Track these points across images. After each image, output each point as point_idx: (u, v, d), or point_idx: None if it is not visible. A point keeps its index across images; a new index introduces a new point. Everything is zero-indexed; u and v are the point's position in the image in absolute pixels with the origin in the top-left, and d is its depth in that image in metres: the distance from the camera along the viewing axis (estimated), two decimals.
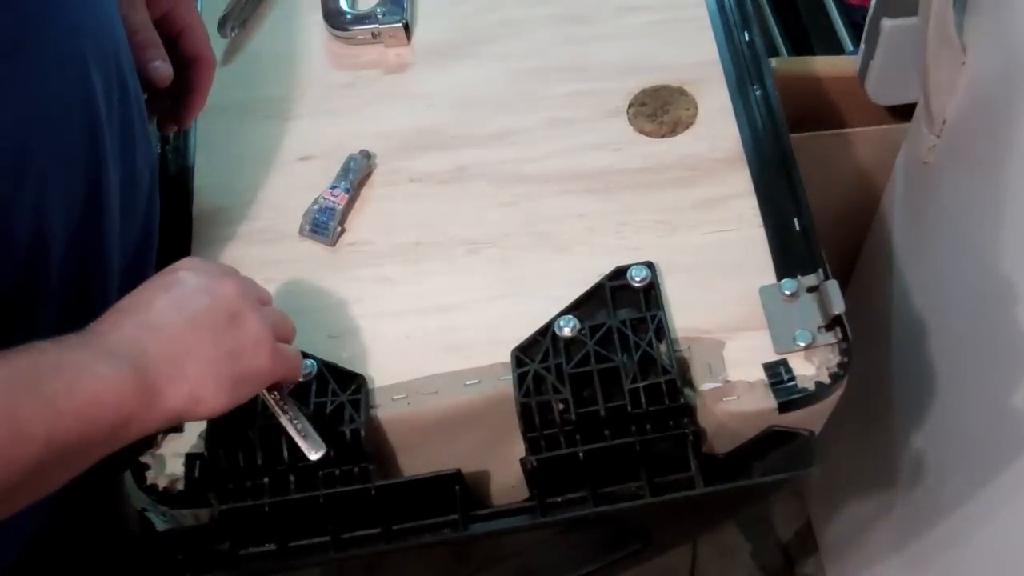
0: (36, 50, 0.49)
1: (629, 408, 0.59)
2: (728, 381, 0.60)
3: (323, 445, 0.57)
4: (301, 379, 0.61)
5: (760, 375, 0.60)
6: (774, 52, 1.06)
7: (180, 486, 0.60)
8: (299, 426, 0.57)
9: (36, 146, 0.50)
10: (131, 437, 0.48)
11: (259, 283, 0.67)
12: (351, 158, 0.71)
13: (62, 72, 0.51)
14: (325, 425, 0.59)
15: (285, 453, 0.59)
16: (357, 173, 0.71)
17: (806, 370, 0.60)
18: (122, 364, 0.47)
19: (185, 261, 0.54)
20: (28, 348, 0.45)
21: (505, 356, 0.62)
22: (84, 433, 0.45)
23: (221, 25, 0.79)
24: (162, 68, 0.63)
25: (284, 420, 0.57)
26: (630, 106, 0.73)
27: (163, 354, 0.48)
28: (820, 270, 0.63)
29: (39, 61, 0.49)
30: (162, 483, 0.60)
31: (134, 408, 0.47)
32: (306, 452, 0.57)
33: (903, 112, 0.89)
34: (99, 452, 0.47)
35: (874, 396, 0.95)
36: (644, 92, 0.74)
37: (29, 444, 0.43)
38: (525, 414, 0.59)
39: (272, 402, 0.56)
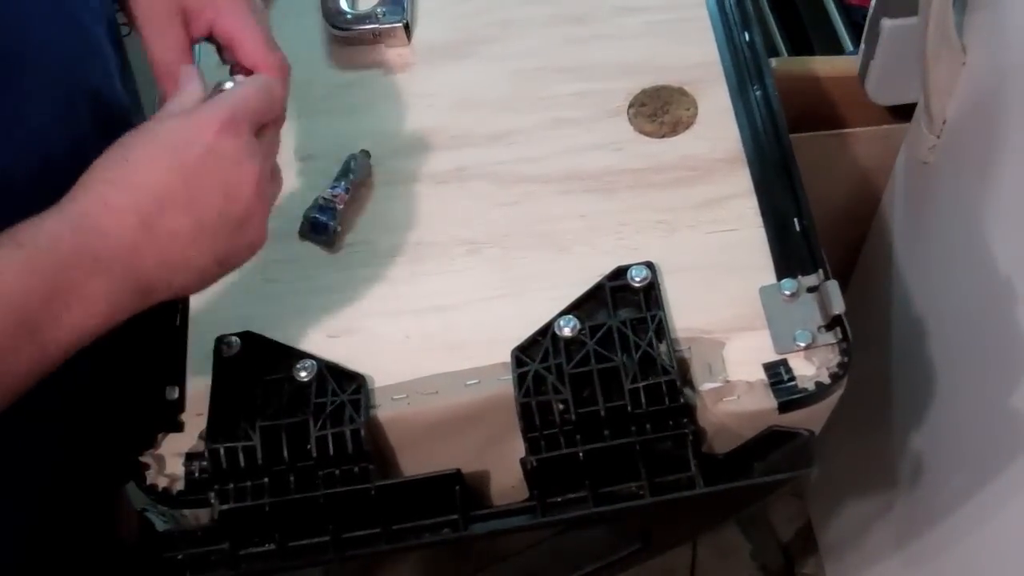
0: (18, 87, 0.48)
1: (629, 408, 0.59)
2: (728, 381, 0.60)
3: None
4: (304, 378, 0.61)
5: (760, 375, 0.60)
6: (774, 52, 1.06)
7: (180, 486, 0.60)
8: None
9: (21, 179, 0.49)
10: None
11: (259, 283, 0.68)
12: (351, 158, 0.71)
13: (46, 108, 0.50)
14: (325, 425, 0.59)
15: (285, 453, 0.59)
16: (357, 173, 0.71)
17: (806, 370, 0.60)
18: (118, 282, 0.44)
19: (211, 135, 0.47)
20: (24, 255, 0.43)
21: (505, 356, 0.61)
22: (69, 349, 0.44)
23: None
24: None
25: None
26: (630, 106, 0.73)
27: (158, 267, 0.46)
28: (820, 270, 0.63)
29: (22, 97, 0.48)
30: (162, 483, 0.60)
31: (117, 317, 0.45)
32: None
33: (903, 112, 0.89)
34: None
35: (874, 396, 0.95)
36: (644, 92, 0.74)
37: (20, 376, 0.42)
38: (525, 414, 0.59)
39: None
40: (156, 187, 0.45)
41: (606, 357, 0.60)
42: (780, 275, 0.64)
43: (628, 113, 0.73)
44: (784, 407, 0.59)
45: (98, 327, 0.45)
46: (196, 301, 0.67)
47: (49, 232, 0.44)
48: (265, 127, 0.52)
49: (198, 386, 0.63)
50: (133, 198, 0.45)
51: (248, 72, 0.58)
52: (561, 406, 0.59)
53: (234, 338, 0.64)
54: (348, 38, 0.79)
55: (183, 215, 0.46)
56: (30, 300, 0.42)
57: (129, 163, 0.46)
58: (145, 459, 0.61)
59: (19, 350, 0.42)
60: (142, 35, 0.57)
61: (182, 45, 0.58)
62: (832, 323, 0.61)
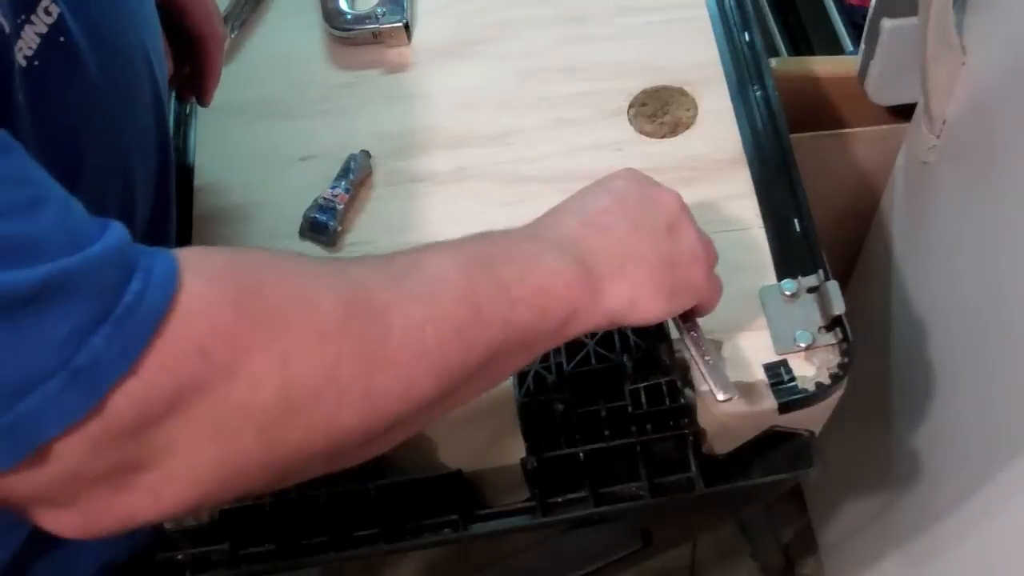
0: (116, 53, 0.51)
1: (629, 408, 0.59)
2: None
3: (733, 388, 0.54)
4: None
5: (760, 375, 0.60)
6: (774, 52, 1.06)
7: None
8: (709, 361, 0.55)
9: (125, 136, 0.52)
10: (572, 333, 0.49)
11: None
12: (351, 158, 0.71)
13: (134, 66, 0.53)
14: None
15: None
16: (357, 173, 0.71)
17: (806, 371, 0.60)
18: (569, 258, 0.48)
19: (624, 171, 0.55)
20: (478, 236, 0.48)
21: None
22: (534, 322, 0.46)
23: None
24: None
25: (694, 351, 0.55)
26: (630, 106, 0.73)
27: (607, 252, 0.49)
28: (820, 271, 0.63)
29: (118, 61, 0.51)
30: None
31: (580, 302, 0.48)
32: (713, 390, 0.54)
33: (903, 112, 0.89)
34: (545, 345, 0.49)
35: (874, 396, 0.95)
36: (644, 92, 0.74)
37: (488, 327, 0.44)
38: (525, 414, 0.59)
39: (685, 330, 0.55)
40: (595, 206, 0.52)
41: (606, 357, 0.60)
42: (780, 275, 0.64)
43: (628, 113, 0.73)
44: (784, 407, 0.59)
45: (573, 314, 0.48)
46: None
47: (525, 232, 0.50)
48: None
49: None
50: (577, 208, 0.52)
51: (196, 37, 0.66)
52: (561, 406, 0.59)
53: None
54: (348, 38, 0.79)
55: (617, 217, 0.51)
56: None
57: (576, 198, 0.54)
58: None
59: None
60: None
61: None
62: (832, 323, 0.61)
